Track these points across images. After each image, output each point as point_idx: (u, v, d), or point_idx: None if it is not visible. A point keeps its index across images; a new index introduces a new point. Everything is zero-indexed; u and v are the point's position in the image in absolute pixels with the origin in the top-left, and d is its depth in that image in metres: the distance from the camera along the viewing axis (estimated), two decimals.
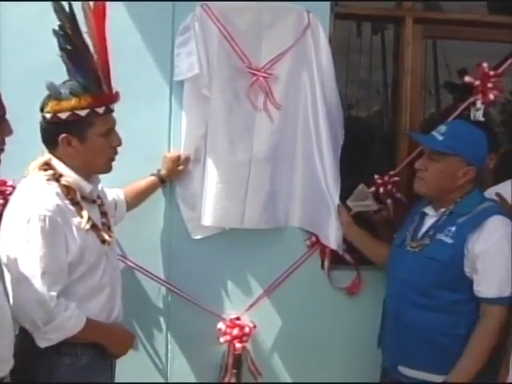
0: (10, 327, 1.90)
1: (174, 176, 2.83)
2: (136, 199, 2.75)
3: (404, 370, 2.52)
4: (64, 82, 2.20)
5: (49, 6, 2.63)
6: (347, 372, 2.96)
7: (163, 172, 2.80)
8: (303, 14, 2.84)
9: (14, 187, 2.65)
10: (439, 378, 2.43)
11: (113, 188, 2.60)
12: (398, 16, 3.11)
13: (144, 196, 2.79)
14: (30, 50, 2.72)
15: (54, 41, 2.58)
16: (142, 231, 2.83)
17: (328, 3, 2.91)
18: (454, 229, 2.43)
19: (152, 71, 2.82)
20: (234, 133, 2.82)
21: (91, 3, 2.16)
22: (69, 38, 2.14)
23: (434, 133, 2.53)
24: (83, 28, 2.16)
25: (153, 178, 2.79)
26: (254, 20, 2.82)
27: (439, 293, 2.42)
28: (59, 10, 2.12)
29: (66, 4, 2.12)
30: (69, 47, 2.16)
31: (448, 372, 2.40)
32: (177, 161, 2.81)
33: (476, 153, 2.47)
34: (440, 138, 2.48)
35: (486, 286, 2.37)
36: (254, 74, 2.80)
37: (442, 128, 2.51)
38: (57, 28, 2.15)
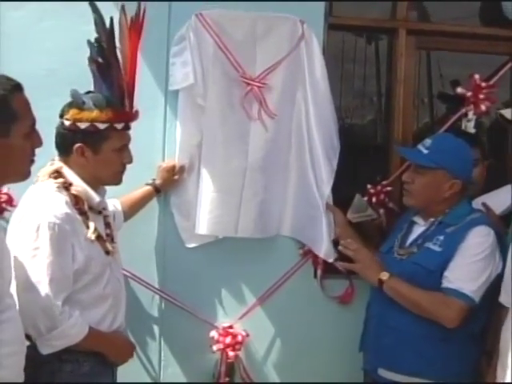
0: (24, 343, 1.91)
1: (169, 185, 2.85)
2: (132, 209, 2.76)
3: (384, 372, 2.55)
4: (87, 93, 2.23)
5: (47, 13, 2.69)
6: (340, 379, 2.95)
7: (158, 181, 2.81)
8: (297, 24, 2.86)
9: (8, 195, 2.66)
10: (418, 381, 2.46)
11: (108, 198, 2.59)
12: (391, 28, 3.13)
13: (140, 206, 2.80)
14: (28, 56, 2.73)
15: (53, 48, 2.62)
16: (136, 240, 2.83)
17: (322, 14, 2.93)
18: (442, 238, 2.48)
19: (147, 80, 2.81)
20: (229, 142, 2.84)
21: (129, 20, 2.20)
22: (103, 51, 2.18)
23: (419, 146, 2.56)
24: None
25: (148, 187, 2.80)
26: (248, 30, 2.84)
27: None
28: (98, 23, 2.16)
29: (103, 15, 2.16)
30: (100, 60, 2.20)
31: (427, 375, 2.45)
32: (172, 170, 2.82)
33: (461, 166, 2.50)
34: (425, 151, 2.51)
35: (452, 277, 2.40)
36: (249, 84, 2.82)
37: (428, 142, 2.54)
38: (92, 40, 2.19)
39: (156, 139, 2.87)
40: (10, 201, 2.65)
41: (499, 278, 2.31)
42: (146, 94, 2.81)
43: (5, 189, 2.67)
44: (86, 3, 2.20)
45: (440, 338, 2.43)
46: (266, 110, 2.84)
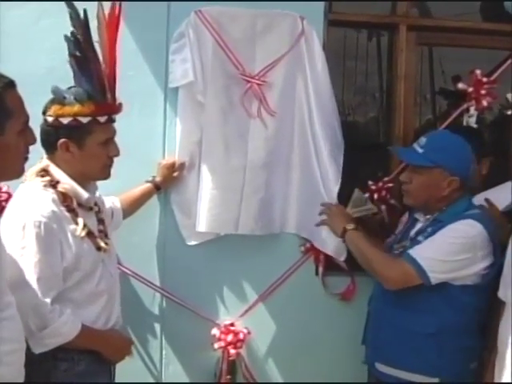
0: (24, 341, 1.91)
1: (169, 183, 2.84)
2: (132, 207, 2.76)
3: (380, 366, 2.56)
4: (69, 88, 2.21)
5: (47, 11, 2.69)
6: (342, 377, 2.95)
7: (158, 179, 2.81)
8: (297, 20, 2.85)
9: (8, 193, 2.66)
10: (412, 377, 2.46)
11: (107, 195, 2.60)
12: (391, 23, 3.12)
13: (139, 203, 2.80)
14: (27, 55, 2.74)
15: (52, 46, 2.62)
16: (136, 237, 2.83)
17: (322, 10, 2.92)
18: (430, 229, 2.49)
19: (147, 78, 2.83)
20: (229, 139, 2.84)
21: (106, 13, 2.19)
22: (79, 45, 2.16)
23: (415, 145, 2.55)
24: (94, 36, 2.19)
25: (148, 185, 2.80)
26: (248, 26, 2.83)
27: (414, 291, 2.44)
28: (74, 17, 2.14)
29: (78, 10, 2.14)
30: (78, 54, 2.18)
31: (421, 371, 2.45)
32: (172, 168, 2.82)
33: (458, 163, 2.48)
34: (420, 150, 2.50)
35: (416, 247, 2.43)
36: (248, 81, 2.81)
37: (423, 140, 2.52)
38: (68, 34, 2.17)
39: (156, 136, 2.86)
40: (9, 199, 2.64)
41: (499, 274, 2.30)
42: (145, 91, 2.83)
43: (5, 187, 2.68)
44: (86, 3, 2.18)
45: (432, 333, 2.43)
46: (265, 107, 2.84)
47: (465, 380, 2.47)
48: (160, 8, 2.81)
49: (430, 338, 2.43)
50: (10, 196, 2.65)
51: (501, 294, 2.24)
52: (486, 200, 2.61)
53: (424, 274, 2.37)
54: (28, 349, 2.04)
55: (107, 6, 2.21)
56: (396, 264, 2.43)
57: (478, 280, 2.42)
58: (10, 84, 1.75)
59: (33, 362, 2.04)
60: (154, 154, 2.85)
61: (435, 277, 2.38)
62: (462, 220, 2.42)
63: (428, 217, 2.56)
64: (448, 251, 2.38)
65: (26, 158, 1.84)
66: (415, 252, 2.41)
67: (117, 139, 2.31)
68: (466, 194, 2.55)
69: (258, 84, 2.82)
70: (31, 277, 2.05)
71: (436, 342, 2.43)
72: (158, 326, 2.93)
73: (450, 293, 2.41)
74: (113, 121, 2.27)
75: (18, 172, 1.84)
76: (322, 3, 2.92)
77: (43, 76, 2.66)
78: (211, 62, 2.80)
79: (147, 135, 2.85)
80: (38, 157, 2.22)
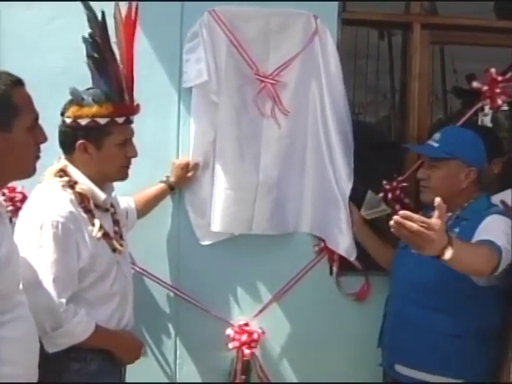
0: (37, 340, 1.91)
1: (183, 183, 2.84)
2: (146, 207, 2.76)
3: (400, 368, 2.54)
4: (87, 89, 2.22)
5: (59, 12, 2.70)
6: (356, 377, 2.94)
7: (172, 179, 2.81)
8: (311, 19, 2.84)
9: (23, 194, 2.66)
10: (434, 378, 2.44)
11: (122, 195, 2.60)
12: (405, 22, 3.11)
13: (154, 203, 2.80)
14: (40, 56, 2.74)
15: (65, 47, 2.63)
16: (150, 237, 2.83)
17: (335, 9, 2.91)
18: (457, 230, 2.45)
19: (160, 78, 2.83)
20: (243, 139, 2.83)
21: (123, 14, 2.20)
22: (97, 47, 2.18)
23: (429, 141, 2.57)
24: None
25: (162, 185, 2.80)
26: (261, 26, 2.82)
27: (439, 292, 2.43)
28: (91, 18, 2.15)
29: (95, 11, 2.15)
30: (96, 55, 2.19)
31: (443, 373, 2.42)
32: (186, 168, 2.81)
33: (474, 154, 2.49)
34: (436, 144, 2.53)
35: (483, 235, 2.30)
36: (262, 81, 2.81)
37: (437, 135, 2.55)
38: (85, 35, 2.18)
39: (170, 136, 2.86)
40: (24, 199, 2.65)
41: None
42: (159, 91, 2.83)
43: (19, 187, 2.68)
44: (102, 3, 2.19)
45: (457, 336, 2.41)
46: (279, 107, 2.83)
47: (488, 381, 2.45)
48: (173, 8, 2.80)
49: (456, 339, 2.41)
50: (24, 196, 2.65)
51: None
52: (502, 202, 2.59)
53: (498, 266, 2.21)
54: (41, 347, 2.04)
55: (124, 6, 2.22)
56: (491, 255, 2.17)
57: (504, 280, 2.39)
58: (18, 82, 1.76)
59: (45, 361, 2.05)
60: (167, 154, 2.85)
61: (499, 269, 2.24)
62: (493, 215, 2.40)
63: (449, 214, 2.52)
64: (505, 230, 2.31)
65: (38, 157, 1.84)
66: (493, 239, 2.23)
67: None
68: (484, 193, 2.54)
69: (271, 84, 2.81)
70: (47, 277, 2.05)
71: (461, 343, 2.41)
72: (172, 326, 2.92)
73: (478, 294, 2.39)
74: (131, 122, 2.28)
75: (28, 171, 1.83)
76: (336, 2, 2.91)
77: (57, 77, 2.67)
78: (225, 62, 2.79)
79: (161, 135, 2.85)
80: (51, 156, 2.21)
